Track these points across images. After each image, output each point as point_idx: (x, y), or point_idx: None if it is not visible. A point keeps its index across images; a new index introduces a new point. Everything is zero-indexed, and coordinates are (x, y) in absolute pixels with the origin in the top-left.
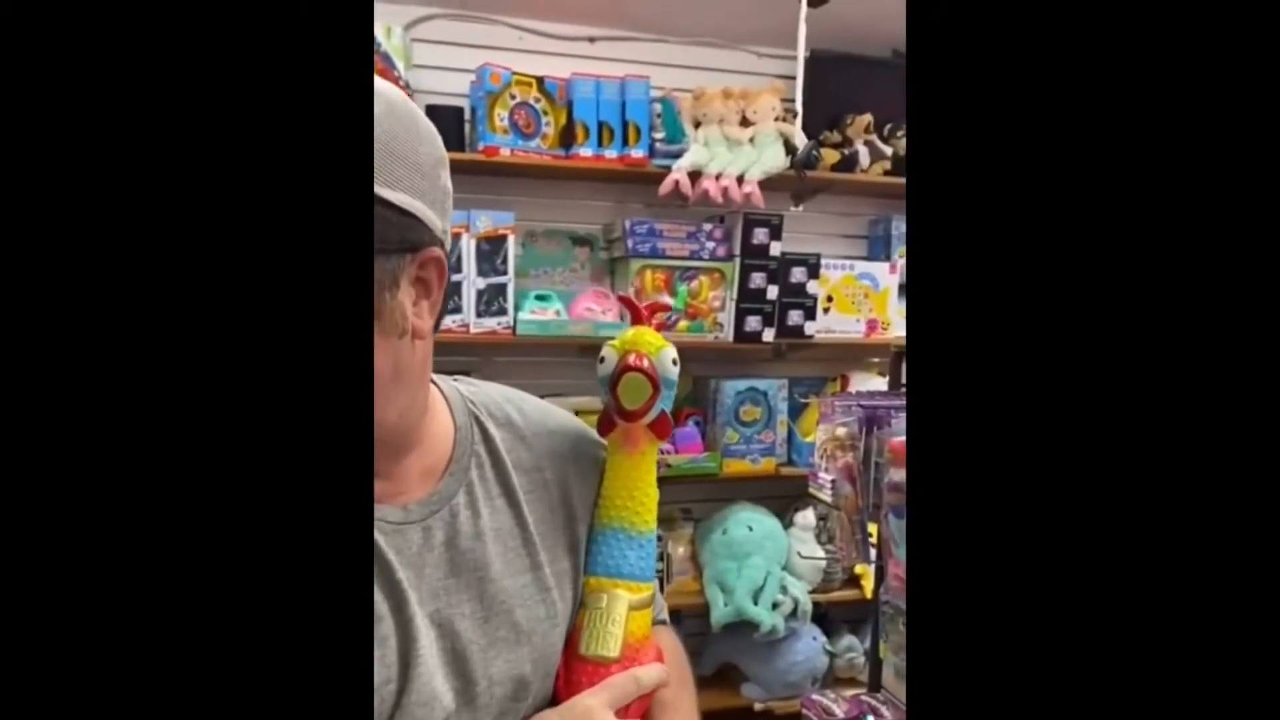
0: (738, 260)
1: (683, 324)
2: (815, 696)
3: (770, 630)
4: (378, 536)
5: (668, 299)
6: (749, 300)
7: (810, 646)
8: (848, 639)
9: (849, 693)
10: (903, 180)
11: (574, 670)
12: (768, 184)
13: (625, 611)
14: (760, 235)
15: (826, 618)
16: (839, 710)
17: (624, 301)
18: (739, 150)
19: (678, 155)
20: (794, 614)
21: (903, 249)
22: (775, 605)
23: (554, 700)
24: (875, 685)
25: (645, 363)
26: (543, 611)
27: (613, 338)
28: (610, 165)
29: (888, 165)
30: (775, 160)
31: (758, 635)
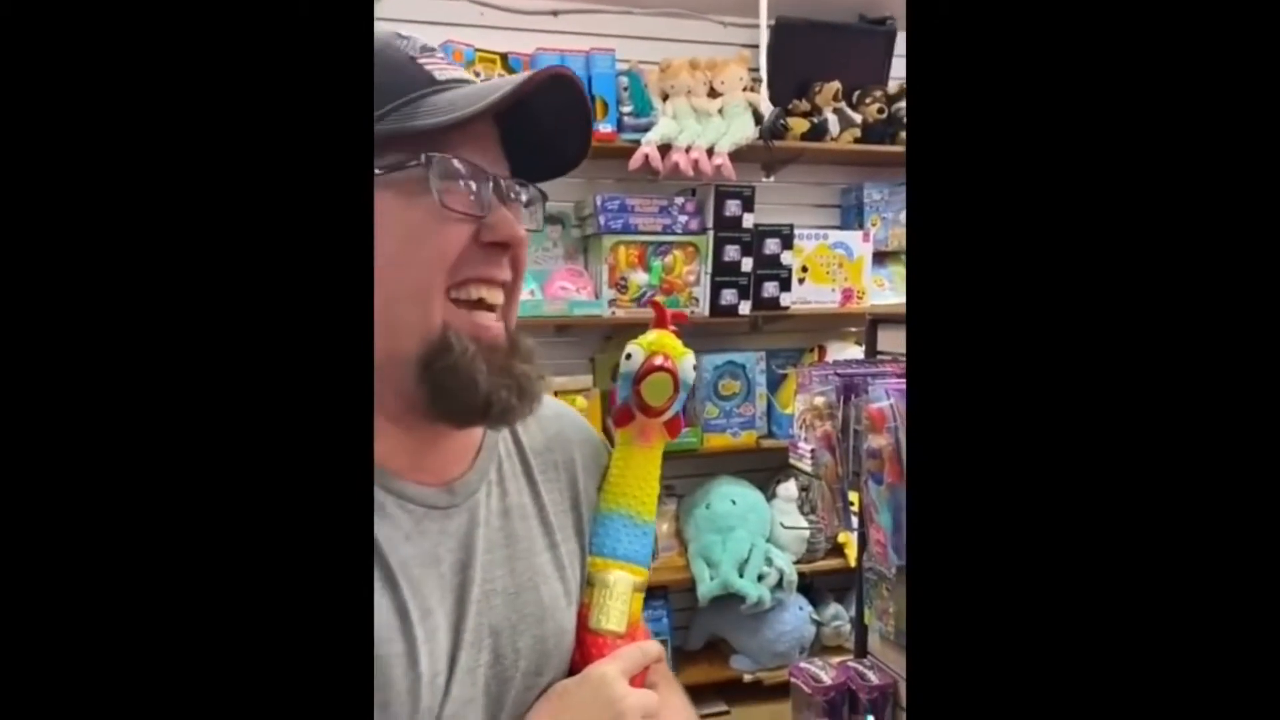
0: (711, 233)
1: (658, 299)
2: (803, 665)
3: (757, 602)
4: (427, 524)
5: (641, 274)
6: (724, 273)
7: (797, 616)
8: (834, 607)
9: (836, 660)
10: (873, 147)
11: (583, 643)
12: (738, 155)
13: (630, 591)
14: (732, 207)
15: (812, 587)
16: (826, 677)
17: (654, 305)
18: (708, 122)
19: (646, 129)
20: (780, 585)
21: (875, 216)
22: (761, 577)
23: (567, 673)
24: (861, 651)
25: (670, 364)
26: (560, 589)
27: (591, 316)
28: None
29: (857, 133)
30: (745, 131)
31: (744, 607)
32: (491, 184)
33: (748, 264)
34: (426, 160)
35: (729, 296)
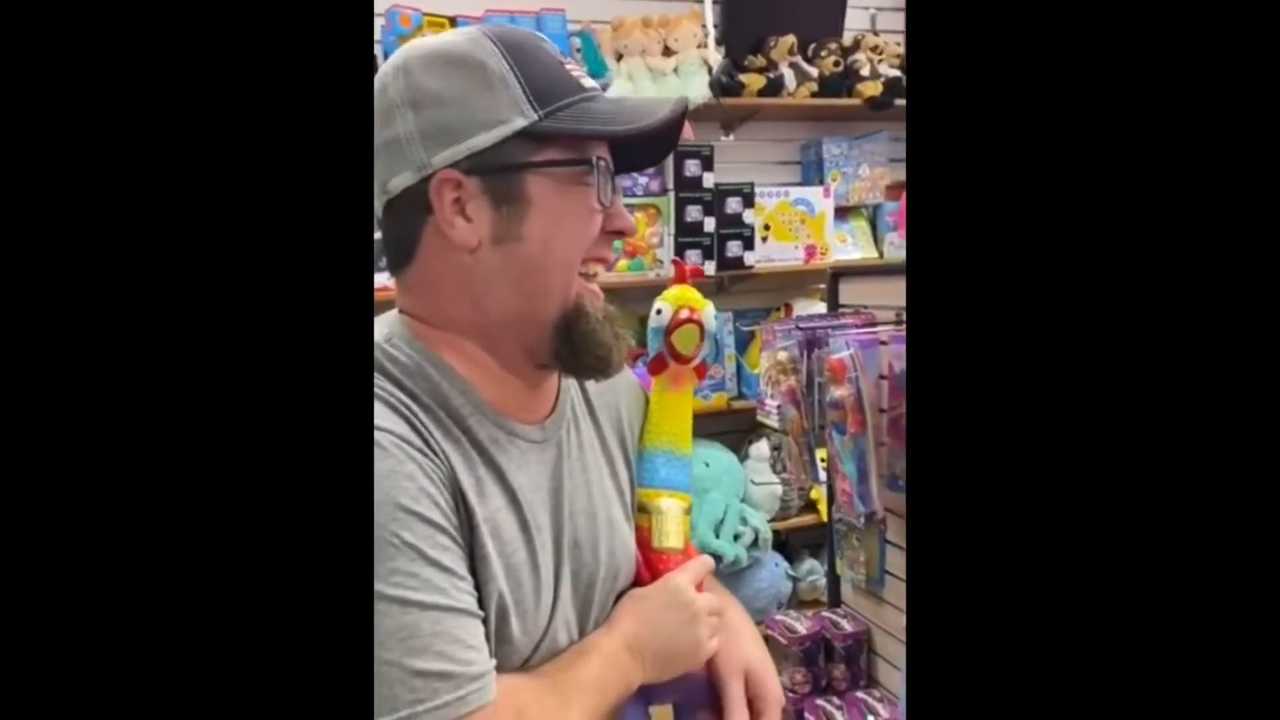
0: (671, 194)
1: (622, 263)
2: (778, 617)
3: (734, 561)
4: (530, 455)
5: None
6: (687, 234)
7: (773, 573)
8: (809, 563)
9: (811, 612)
10: (830, 101)
11: (650, 562)
12: (696, 114)
13: (681, 514)
14: (692, 167)
15: (787, 544)
16: (801, 627)
17: (675, 264)
18: (663, 81)
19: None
20: (755, 543)
21: (835, 171)
22: (737, 537)
23: (632, 584)
24: (835, 601)
25: (697, 315)
26: (621, 511)
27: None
28: None
29: (814, 87)
30: (701, 89)
31: (722, 566)
32: (612, 181)
33: (710, 224)
34: (595, 161)
35: (694, 257)
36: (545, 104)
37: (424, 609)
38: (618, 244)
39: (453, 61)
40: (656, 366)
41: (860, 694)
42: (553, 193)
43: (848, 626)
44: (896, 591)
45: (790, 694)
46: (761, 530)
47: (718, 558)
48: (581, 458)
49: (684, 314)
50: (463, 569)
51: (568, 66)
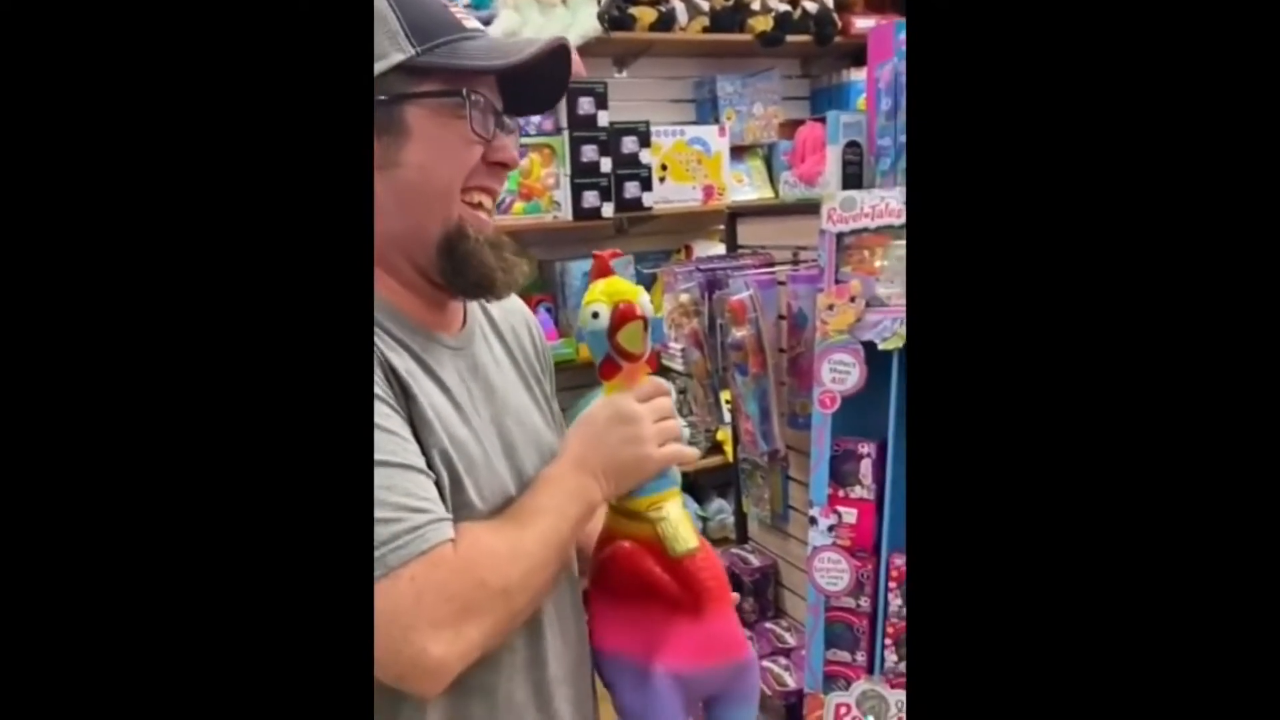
0: (566, 133)
1: (518, 206)
2: None
3: None
4: (453, 358)
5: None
6: (583, 175)
7: None
8: (717, 502)
9: (720, 549)
10: (723, 37)
11: (672, 570)
12: (587, 49)
13: (683, 513)
14: (586, 105)
15: (696, 485)
16: None
17: (595, 257)
18: (551, 13)
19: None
20: None
21: (729, 110)
22: None
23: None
24: (743, 538)
25: (637, 309)
26: (543, 421)
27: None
28: None
29: (706, 21)
30: (591, 23)
31: None
32: (496, 116)
33: (607, 164)
34: (467, 94)
35: (591, 199)
36: (423, 40)
37: (376, 465)
38: (512, 183)
39: None
40: (608, 371)
41: (769, 624)
42: (430, 123)
43: (755, 561)
44: (799, 525)
45: None
46: (670, 473)
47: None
48: (499, 371)
49: (623, 309)
50: (406, 433)
51: (450, 6)
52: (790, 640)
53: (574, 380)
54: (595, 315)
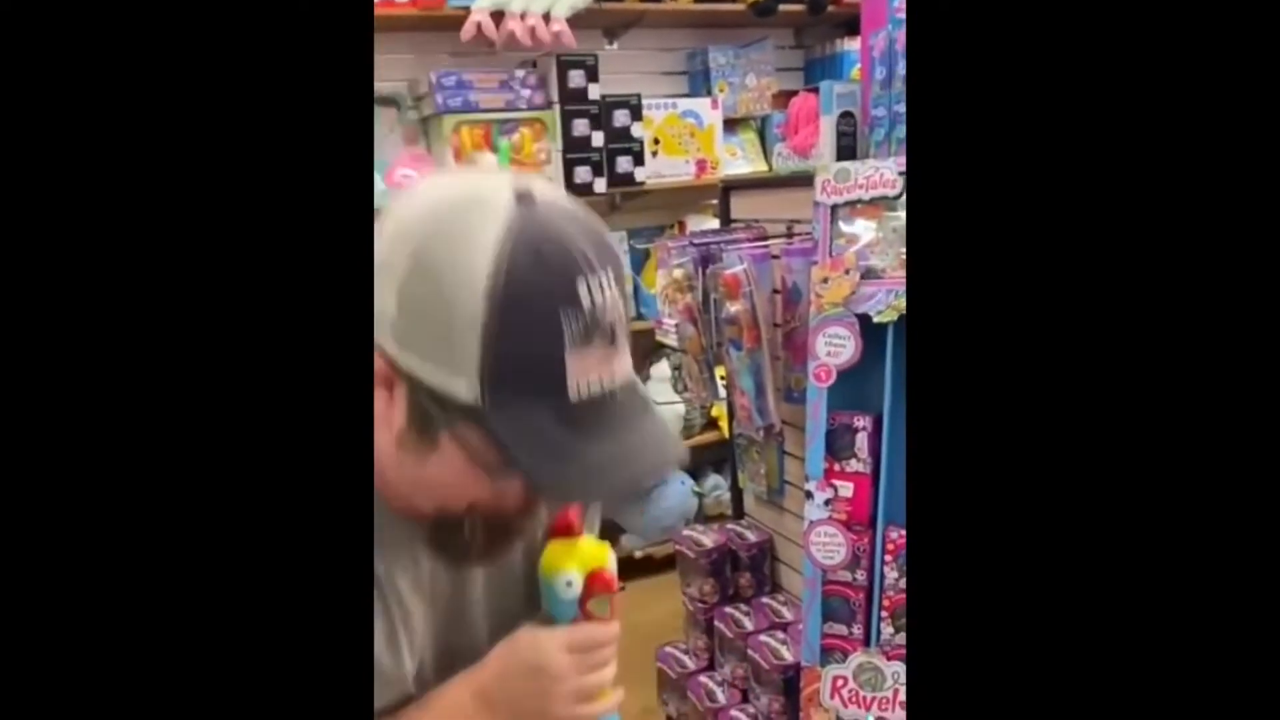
0: (557, 107)
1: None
2: (686, 533)
3: None
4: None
5: (489, 156)
6: (575, 150)
7: (679, 491)
8: (713, 478)
9: (717, 525)
10: (715, 7)
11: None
12: (577, 21)
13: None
14: (577, 78)
15: (692, 461)
16: (708, 541)
17: (558, 517)
18: None
19: None
20: None
21: (722, 82)
22: None
23: None
24: (739, 513)
25: (607, 577)
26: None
27: None
28: (403, 11)
29: None
30: None
31: None
32: None
33: (599, 138)
34: None
35: (583, 174)
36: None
37: None
38: (504, 159)
39: None
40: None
41: (765, 599)
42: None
43: (751, 537)
44: (796, 500)
45: (700, 604)
46: None
47: None
48: None
49: (595, 580)
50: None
51: None
52: (787, 615)
53: None
54: (569, 584)
